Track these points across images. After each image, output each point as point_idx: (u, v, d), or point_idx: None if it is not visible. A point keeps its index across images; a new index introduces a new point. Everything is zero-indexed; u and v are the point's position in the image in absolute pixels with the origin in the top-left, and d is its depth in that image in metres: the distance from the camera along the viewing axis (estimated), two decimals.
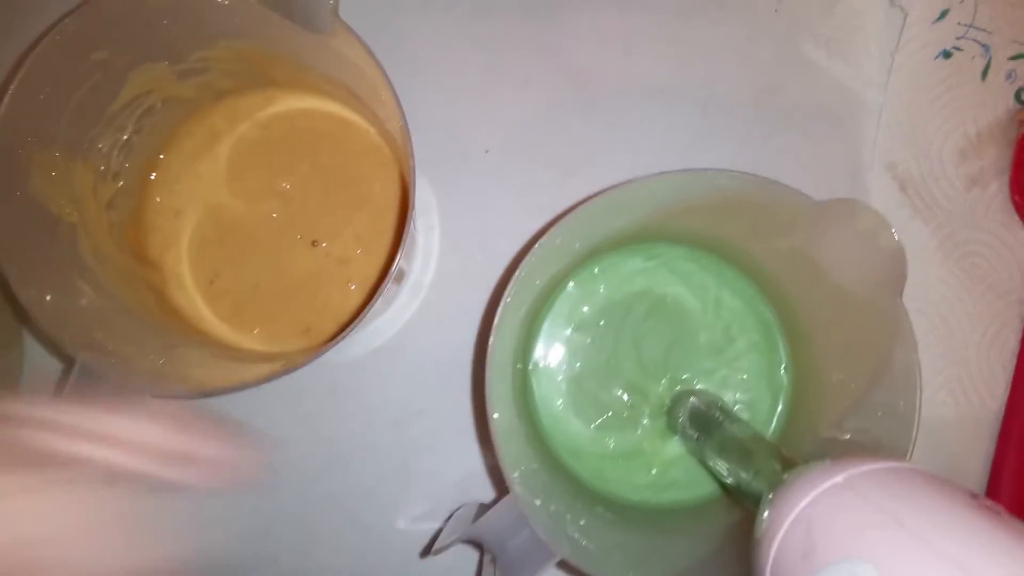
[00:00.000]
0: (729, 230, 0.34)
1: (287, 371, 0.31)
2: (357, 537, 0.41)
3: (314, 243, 0.40)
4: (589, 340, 0.37)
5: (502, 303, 0.29)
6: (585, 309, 0.37)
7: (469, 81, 0.42)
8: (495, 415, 0.29)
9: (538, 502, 0.29)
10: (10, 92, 0.30)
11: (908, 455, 0.28)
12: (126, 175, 0.38)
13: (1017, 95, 0.41)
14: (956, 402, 0.40)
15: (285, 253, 0.40)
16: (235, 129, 0.40)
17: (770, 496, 0.21)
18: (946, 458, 0.40)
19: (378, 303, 0.31)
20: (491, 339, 0.29)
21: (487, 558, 0.33)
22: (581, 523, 0.31)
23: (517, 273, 0.29)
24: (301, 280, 0.40)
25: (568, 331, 0.37)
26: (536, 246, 0.29)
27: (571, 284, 0.37)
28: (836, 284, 0.30)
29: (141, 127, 0.37)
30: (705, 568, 0.31)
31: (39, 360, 0.42)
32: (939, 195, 0.41)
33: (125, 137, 0.37)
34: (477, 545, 0.38)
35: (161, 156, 0.40)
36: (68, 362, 0.41)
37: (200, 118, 0.40)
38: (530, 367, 0.37)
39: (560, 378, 0.37)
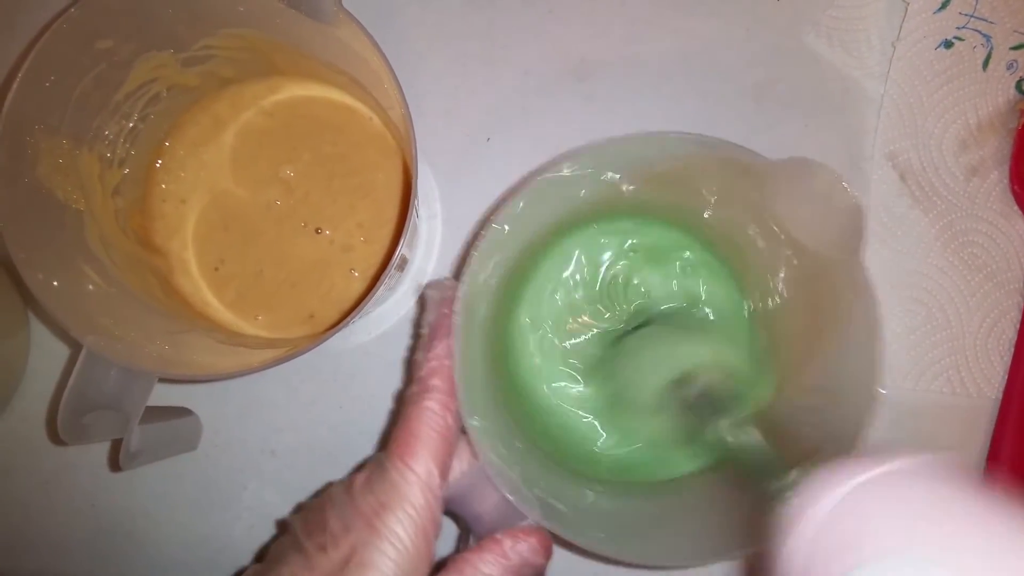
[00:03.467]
0: (690, 196, 0.34)
1: (290, 357, 0.31)
2: None
3: (317, 231, 0.40)
4: (566, 307, 0.37)
5: (462, 286, 0.29)
6: (561, 279, 0.37)
7: (471, 70, 0.43)
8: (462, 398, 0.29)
9: (504, 464, 0.29)
10: (17, 80, 0.30)
11: (870, 412, 0.28)
12: (132, 162, 0.38)
13: (1018, 85, 0.41)
14: (953, 391, 0.40)
15: (289, 240, 0.40)
16: (239, 117, 0.41)
17: (800, 479, 0.19)
18: (942, 447, 0.41)
19: (380, 290, 0.32)
20: (458, 303, 0.29)
21: (462, 530, 0.33)
22: (553, 487, 0.31)
23: (482, 233, 0.29)
24: (304, 267, 0.40)
25: (546, 298, 0.37)
26: (492, 220, 0.29)
27: (547, 254, 0.37)
28: (796, 243, 0.30)
29: (146, 115, 0.38)
30: (679, 534, 0.31)
31: (46, 344, 0.43)
32: (939, 185, 0.41)
33: (131, 125, 0.37)
34: (453, 515, 0.39)
35: (166, 144, 0.40)
36: (75, 346, 0.41)
37: (204, 106, 0.40)
38: (509, 330, 0.37)
39: (538, 341, 0.37)
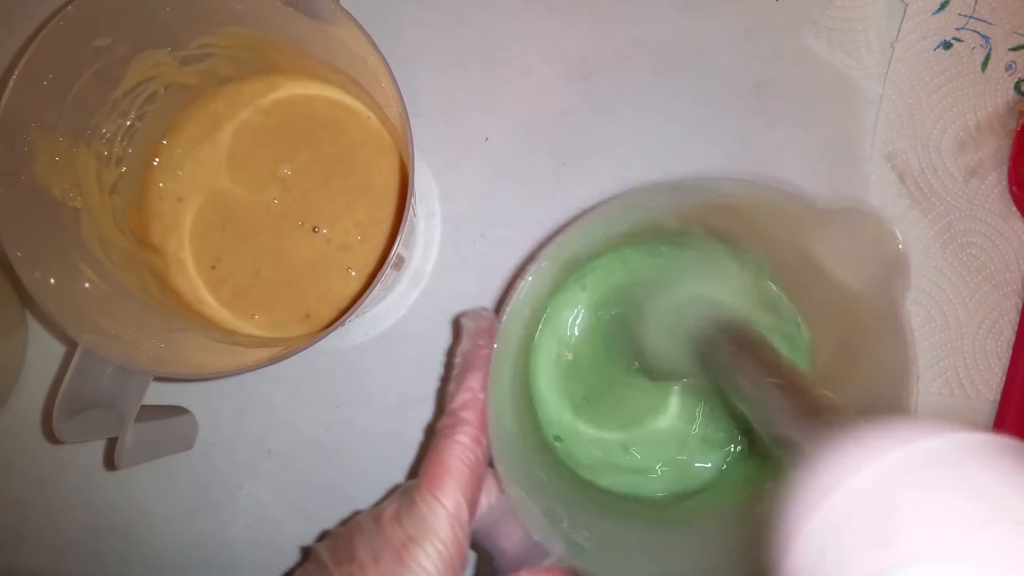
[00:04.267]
0: (731, 228, 0.34)
1: (286, 356, 0.31)
2: None
3: (314, 229, 0.40)
4: (590, 334, 0.37)
5: (502, 319, 0.29)
6: (588, 306, 0.37)
7: (469, 69, 0.43)
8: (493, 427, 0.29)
9: (529, 499, 0.29)
10: (14, 77, 0.30)
11: None
12: (129, 161, 0.38)
13: (1017, 86, 0.41)
14: (951, 392, 0.40)
15: (286, 239, 0.40)
16: (236, 115, 0.41)
17: (821, 448, 0.15)
18: None
19: (377, 290, 0.32)
20: (495, 345, 0.29)
21: (483, 557, 0.33)
22: (579, 521, 0.31)
23: (519, 284, 0.29)
24: (301, 266, 0.40)
25: (568, 329, 0.37)
26: (531, 266, 0.29)
27: (577, 279, 0.37)
28: (839, 287, 0.30)
29: (144, 113, 0.38)
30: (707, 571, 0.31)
31: (43, 342, 0.43)
32: (938, 186, 0.41)
33: (128, 123, 0.37)
34: (475, 548, 0.39)
35: (164, 142, 0.40)
36: (71, 344, 0.41)
37: (202, 104, 0.40)
38: (530, 360, 0.37)
39: (558, 372, 0.37)
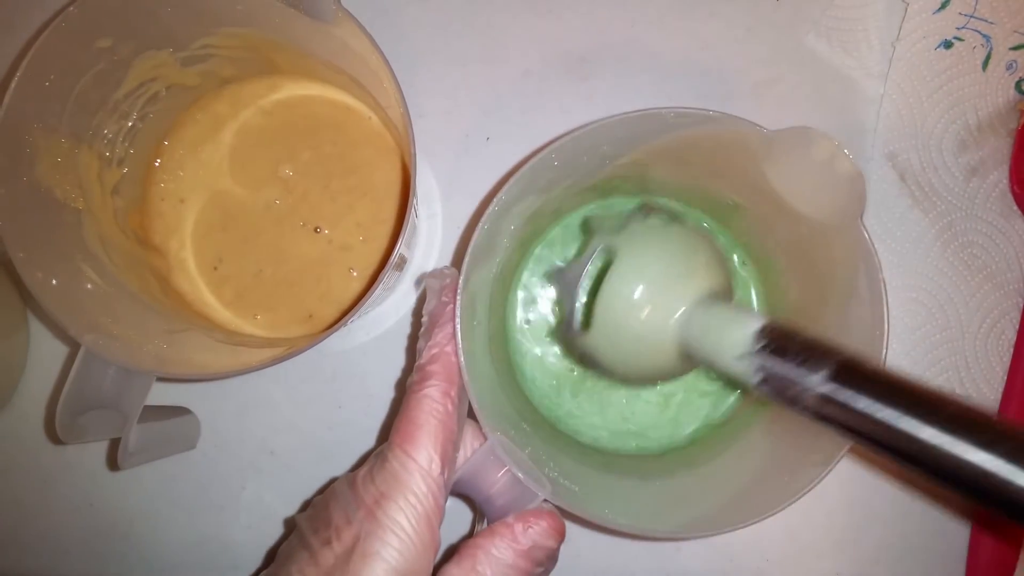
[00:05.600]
0: (689, 172, 0.34)
1: (288, 356, 0.31)
2: None
3: (316, 230, 0.40)
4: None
5: (462, 271, 0.29)
6: (558, 262, 0.38)
7: (470, 69, 0.43)
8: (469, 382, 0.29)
9: (515, 444, 0.29)
10: (16, 79, 0.30)
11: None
12: (131, 162, 0.38)
13: (1018, 85, 0.41)
14: (952, 391, 0.40)
15: (287, 240, 0.40)
16: (238, 116, 0.41)
17: None
18: None
19: (379, 290, 0.32)
20: (459, 288, 0.29)
21: (473, 508, 0.33)
22: (562, 465, 0.31)
23: (475, 234, 0.29)
24: (303, 267, 0.40)
25: (542, 281, 0.38)
26: (495, 199, 0.29)
27: (542, 240, 0.38)
28: (798, 213, 0.30)
29: (145, 114, 0.38)
30: (685, 506, 0.32)
31: (44, 343, 0.43)
32: (939, 185, 0.41)
33: (130, 124, 0.37)
34: (464, 498, 0.39)
35: (165, 143, 0.40)
36: (73, 345, 0.41)
37: (203, 105, 0.40)
38: (507, 316, 0.38)
39: (537, 327, 0.38)
